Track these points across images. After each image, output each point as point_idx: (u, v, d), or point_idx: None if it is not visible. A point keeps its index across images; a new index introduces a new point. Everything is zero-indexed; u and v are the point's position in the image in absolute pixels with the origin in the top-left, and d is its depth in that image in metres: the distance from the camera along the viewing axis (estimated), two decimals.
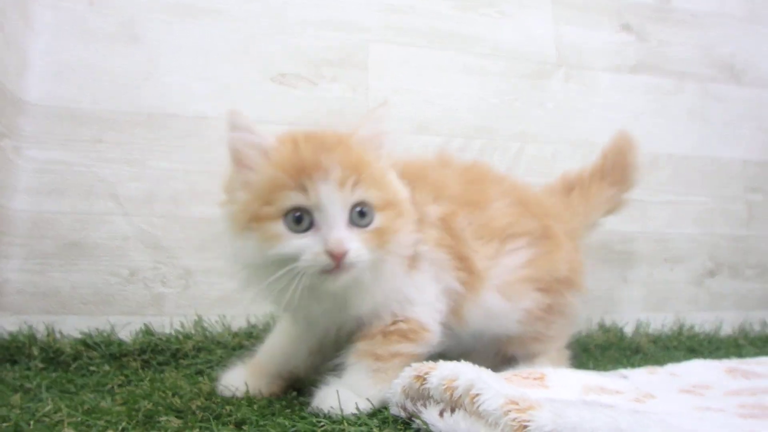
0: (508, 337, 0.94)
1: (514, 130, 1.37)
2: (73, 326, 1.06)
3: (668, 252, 1.44)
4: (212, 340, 1.05)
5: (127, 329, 1.07)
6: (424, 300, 0.82)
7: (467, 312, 0.86)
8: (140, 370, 0.97)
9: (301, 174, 0.71)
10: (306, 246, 0.70)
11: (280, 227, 0.71)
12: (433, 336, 0.82)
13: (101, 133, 1.13)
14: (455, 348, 0.90)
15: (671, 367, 0.94)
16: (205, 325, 1.10)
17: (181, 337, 1.05)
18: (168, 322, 1.10)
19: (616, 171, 1.15)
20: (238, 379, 0.83)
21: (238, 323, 1.12)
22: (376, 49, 1.30)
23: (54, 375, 0.92)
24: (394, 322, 0.79)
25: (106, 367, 0.96)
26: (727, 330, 1.43)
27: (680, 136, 1.48)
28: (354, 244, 0.72)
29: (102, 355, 0.99)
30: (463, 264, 0.85)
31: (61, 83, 1.12)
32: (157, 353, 1.02)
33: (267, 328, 1.11)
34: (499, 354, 0.98)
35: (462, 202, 0.88)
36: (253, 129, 0.75)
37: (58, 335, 1.02)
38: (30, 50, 1.10)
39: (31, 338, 0.99)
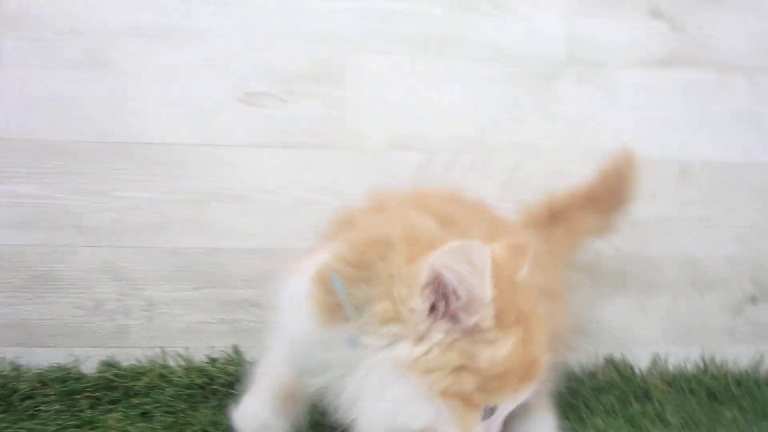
0: None
1: (510, 142, 1.22)
2: (42, 358, 1.08)
3: (698, 276, 1.25)
4: (164, 377, 1.04)
5: (91, 362, 1.08)
6: None
7: None
8: (88, 410, 0.97)
9: (527, 379, 0.65)
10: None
11: (478, 418, 0.64)
12: None
13: (68, 164, 1.12)
14: None
15: None
16: (168, 358, 1.10)
17: (133, 373, 1.05)
18: (132, 353, 1.10)
19: (612, 197, 1.04)
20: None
21: (200, 356, 1.10)
22: (354, 60, 1.19)
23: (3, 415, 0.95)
24: None
25: (56, 407, 0.98)
26: None
27: (721, 141, 1.26)
28: None
29: (56, 392, 1.00)
30: None
31: (29, 116, 1.12)
32: (110, 390, 1.02)
33: (230, 362, 1.09)
34: None
35: None
36: (486, 277, 0.61)
37: (23, 368, 1.05)
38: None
39: None
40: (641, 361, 1.20)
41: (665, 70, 1.26)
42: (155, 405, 0.99)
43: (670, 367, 1.21)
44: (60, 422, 0.92)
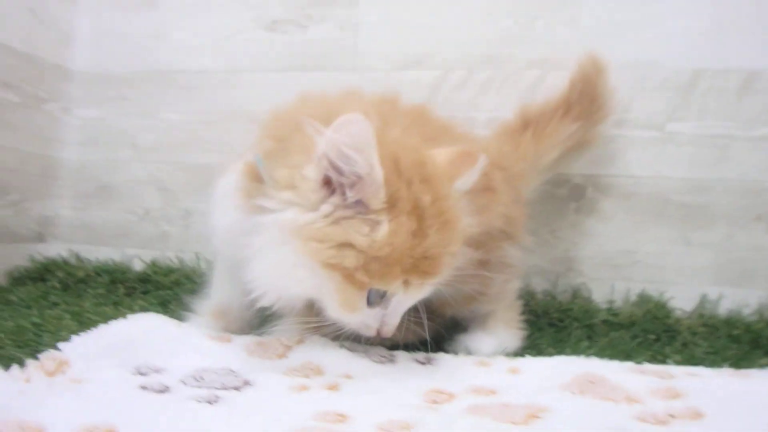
0: (441, 299, 0.85)
1: (532, 56, 1.12)
2: (105, 255, 1.29)
3: (763, 207, 1.05)
4: (188, 276, 1.17)
5: (138, 260, 1.26)
6: None
7: None
8: (123, 296, 1.14)
9: (417, 270, 0.66)
10: (366, 318, 0.69)
11: (362, 300, 0.67)
12: None
13: (124, 91, 1.30)
14: None
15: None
16: (201, 262, 1.23)
17: (165, 271, 1.20)
18: (171, 256, 1.25)
19: (582, 102, 0.99)
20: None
21: None
22: None
23: (62, 293, 1.14)
24: None
25: (100, 290, 1.16)
26: None
27: None
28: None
29: (104, 281, 1.18)
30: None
31: (98, 51, 1.32)
32: (145, 283, 1.18)
33: None
34: (435, 318, 0.89)
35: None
36: (373, 148, 0.62)
37: (85, 262, 1.26)
38: (75, 25, 1.32)
39: (60, 263, 1.24)
40: (684, 303, 1.06)
41: None
42: (174, 297, 1.12)
43: (722, 312, 1.05)
44: (98, 302, 1.08)
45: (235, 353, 0.72)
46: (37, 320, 0.86)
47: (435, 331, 0.92)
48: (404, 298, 0.69)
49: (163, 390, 0.59)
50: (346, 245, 0.64)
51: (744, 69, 1.05)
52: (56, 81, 1.29)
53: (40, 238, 1.29)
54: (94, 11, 1.32)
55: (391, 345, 0.80)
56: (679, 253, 1.08)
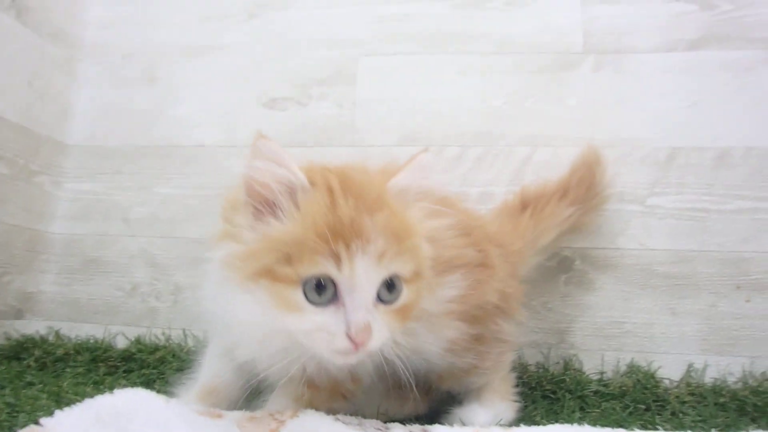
0: (437, 373, 0.86)
1: (522, 133, 1.19)
2: (87, 332, 1.25)
3: (742, 277, 1.09)
4: (175, 354, 1.14)
5: (122, 337, 1.23)
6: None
7: (395, 346, 0.77)
8: (104, 375, 1.10)
9: (338, 239, 0.61)
10: (325, 324, 0.62)
11: (298, 295, 0.62)
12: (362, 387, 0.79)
13: (121, 165, 1.32)
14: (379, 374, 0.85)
15: None
16: (188, 339, 1.20)
17: (151, 348, 1.16)
18: (158, 333, 1.22)
19: (580, 188, 1.05)
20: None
21: None
22: (366, 62, 1.26)
23: (39, 372, 1.10)
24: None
25: (80, 370, 1.12)
26: None
27: (764, 124, 1.11)
28: (377, 325, 0.64)
29: (84, 359, 1.14)
30: None
31: (96, 126, 1.35)
32: (129, 361, 1.14)
33: None
34: (430, 392, 0.91)
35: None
36: (283, 160, 0.64)
37: (66, 340, 1.22)
38: (74, 100, 1.35)
39: (38, 341, 1.19)
40: (672, 371, 1.07)
41: (695, 51, 1.16)
42: (159, 375, 1.09)
43: (708, 380, 1.06)
44: (77, 381, 1.04)
45: (226, 429, 0.70)
46: (11, 400, 0.82)
47: (429, 406, 0.93)
48: (351, 283, 0.62)
49: None
50: (262, 247, 0.64)
51: (716, 147, 1.12)
52: (50, 154, 1.30)
53: (18, 314, 1.26)
54: (94, 86, 1.36)
55: (386, 420, 0.79)
56: (665, 322, 1.11)
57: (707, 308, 1.09)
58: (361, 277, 0.62)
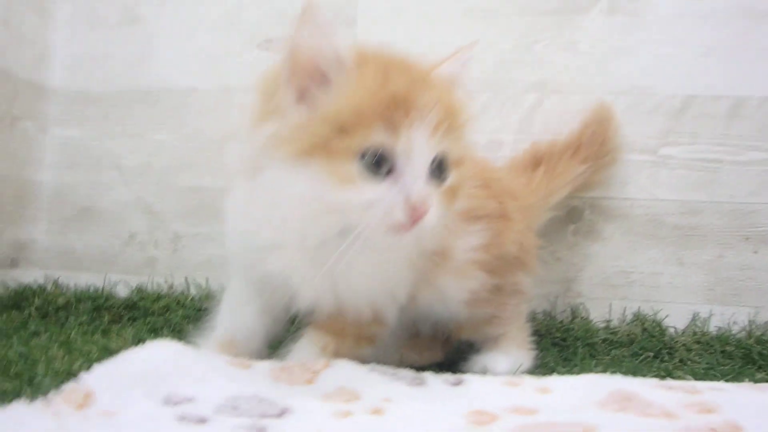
0: (457, 322, 0.88)
1: (530, 79, 1.15)
2: (84, 281, 1.22)
3: (751, 228, 1.09)
4: (179, 301, 1.13)
5: (122, 286, 1.20)
6: (401, 293, 0.76)
7: (421, 295, 0.81)
8: (109, 324, 1.08)
9: (395, 109, 0.61)
10: (383, 196, 0.61)
11: (354, 167, 0.61)
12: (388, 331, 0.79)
13: (108, 111, 1.26)
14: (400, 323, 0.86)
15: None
16: (191, 287, 1.18)
17: (154, 297, 1.15)
18: (159, 282, 1.20)
19: (592, 146, 1.04)
20: None
21: (216, 286, 1.17)
22: (366, 3, 1.19)
23: (42, 321, 1.07)
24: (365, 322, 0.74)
25: (83, 318, 1.10)
26: None
27: None
28: (433, 200, 0.63)
29: (87, 308, 1.12)
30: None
31: (77, 69, 1.27)
32: (133, 310, 1.13)
33: None
34: (450, 341, 0.93)
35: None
36: (334, 30, 0.63)
37: (65, 289, 1.19)
38: (51, 43, 1.27)
39: (36, 290, 1.17)
40: (677, 320, 1.09)
41: None
42: (165, 323, 1.07)
43: (713, 329, 1.08)
44: (84, 330, 1.02)
45: (260, 379, 0.69)
46: (22, 350, 0.80)
47: (445, 355, 0.94)
48: (408, 153, 0.62)
49: (203, 421, 0.56)
50: (314, 120, 0.62)
51: (732, 95, 1.10)
52: (32, 99, 1.23)
53: (14, 263, 1.22)
54: (71, 28, 1.27)
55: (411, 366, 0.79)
56: (672, 272, 1.11)
57: (714, 259, 1.09)
58: (419, 147, 0.62)
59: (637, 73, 1.12)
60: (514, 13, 1.17)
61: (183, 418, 0.56)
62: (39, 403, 0.55)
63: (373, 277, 0.72)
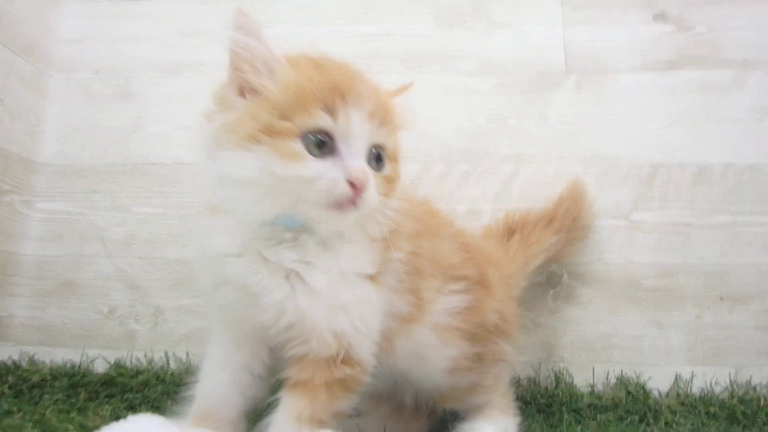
0: (440, 392, 0.87)
1: (507, 151, 1.20)
2: (62, 357, 1.19)
3: (725, 288, 1.12)
4: (158, 377, 1.10)
5: (101, 361, 1.17)
6: (369, 326, 0.73)
7: (398, 345, 0.79)
8: (85, 401, 1.05)
9: (333, 93, 0.67)
10: (326, 171, 0.66)
11: (298, 146, 0.65)
12: (367, 381, 0.75)
13: (96, 184, 1.27)
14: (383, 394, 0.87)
15: None
16: (171, 362, 1.16)
17: (133, 372, 1.12)
18: (139, 356, 1.18)
19: (565, 220, 1.07)
20: None
21: (198, 360, 1.15)
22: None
23: (15, 399, 1.04)
24: (334, 360, 0.71)
25: (59, 396, 1.06)
26: None
27: (741, 142, 1.16)
28: (371, 181, 0.68)
29: (63, 385, 1.08)
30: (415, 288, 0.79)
31: (68, 143, 1.29)
32: (110, 386, 1.09)
33: None
34: (435, 412, 0.92)
35: (423, 227, 0.82)
36: (262, 33, 0.69)
37: (40, 365, 1.16)
38: (44, 117, 1.30)
39: (10, 367, 1.13)
40: (660, 382, 1.09)
41: (673, 71, 1.20)
42: (144, 399, 1.05)
43: (695, 390, 1.08)
44: (59, 408, 0.99)
45: None
46: None
47: (430, 426, 0.92)
48: (346, 133, 0.67)
49: None
50: (258, 108, 0.67)
51: (696, 163, 1.16)
52: (20, 173, 1.24)
53: None
54: (65, 104, 1.31)
55: None
56: (652, 335, 1.13)
57: (692, 320, 1.12)
58: (355, 128, 0.67)
59: (606, 144, 1.19)
60: (489, 90, 1.24)
61: None
62: None
63: (332, 284, 0.71)
